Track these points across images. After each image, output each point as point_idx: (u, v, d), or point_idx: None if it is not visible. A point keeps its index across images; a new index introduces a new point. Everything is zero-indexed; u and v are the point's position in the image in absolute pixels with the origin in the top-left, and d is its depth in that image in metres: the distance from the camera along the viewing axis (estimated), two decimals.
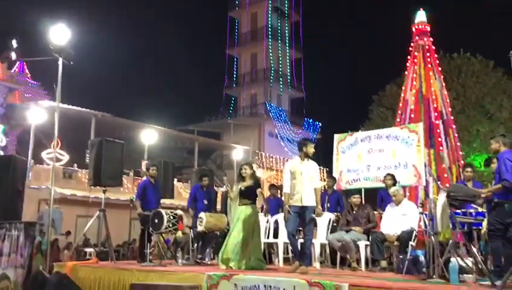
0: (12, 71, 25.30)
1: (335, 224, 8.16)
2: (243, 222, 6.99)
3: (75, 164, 20.08)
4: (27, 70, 28.48)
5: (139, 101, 56.05)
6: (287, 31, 37.12)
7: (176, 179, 17.86)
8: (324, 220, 8.07)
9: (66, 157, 19.25)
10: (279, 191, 9.76)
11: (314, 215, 6.53)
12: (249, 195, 7.15)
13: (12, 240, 6.81)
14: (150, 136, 21.99)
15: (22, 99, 23.79)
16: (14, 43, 27.26)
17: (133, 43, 60.95)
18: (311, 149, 6.78)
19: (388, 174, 8.23)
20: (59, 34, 7.80)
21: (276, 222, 8.49)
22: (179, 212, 8.10)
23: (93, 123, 20.37)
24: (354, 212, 7.81)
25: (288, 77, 36.73)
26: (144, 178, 9.62)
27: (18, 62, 27.75)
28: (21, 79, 26.46)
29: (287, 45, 36.74)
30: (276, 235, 8.44)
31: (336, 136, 9.71)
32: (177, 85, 60.72)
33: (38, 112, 17.56)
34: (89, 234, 11.14)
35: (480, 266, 5.57)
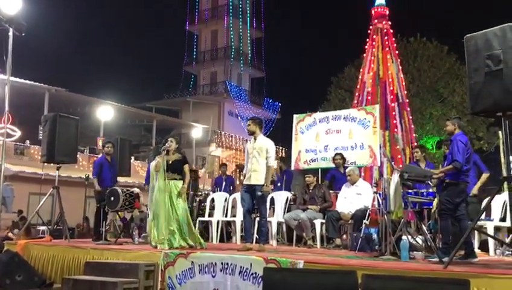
0: None
1: (292, 203, 8.30)
2: (175, 197, 6.79)
3: (28, 140, 19.40)
4: None
5: (96, 76, 54.49)
6: (248, 10, 36.80)
7: (133, 157, 17.58)
8: (281, 198, 8.20)
9: (17, 133, 18.56)
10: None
11: (259, 193, 6.46)
12: (176, 169, 6.93)
13: None
14: (106, 112, 21.53)
15: None
16: None
17: (91, 14, 58.77)
18: (249, 127, 6.79)
19: (337, 153, 8.47)
20: (9, 2, 7.43)
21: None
22: (136, 190, 8.01)
23: (47, 98, 19.68)
24: (311, 191, 7.96)
25: (249, 56, 36.56)
26: (100, 155, 9.40)
27: None
28: None
29: (248, 23, 36.46)
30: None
31: (295, 117, 9.80)
32: (136, 61, 59.32)
33: None
34: (43, 212, 10.86)
35: (429, 244, 5.81)
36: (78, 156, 10.61)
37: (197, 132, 26.51)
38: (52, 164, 8.52)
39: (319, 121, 9.45)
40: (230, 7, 35.20)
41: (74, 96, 21.57)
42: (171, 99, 33.88)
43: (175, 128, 29.94)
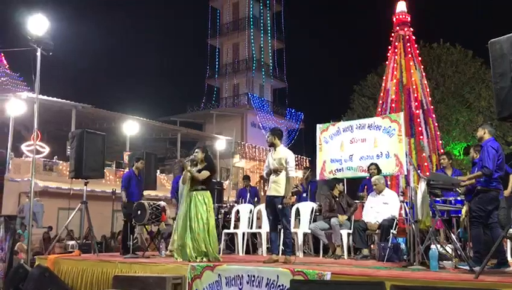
0: None
1: (318, 213, 8.24)
2: (193, 208, 6.72)
3: (56, 156, 19.82)
4: (5, 62, 27.88)
5: (121, 92, 55.47)
6: (268, 21, 37.03)
7: (158, 171, 17.78)
8: (307, 209, 8.16)
9: (46, 150, 18.97)
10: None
11: (280, 206, 6.38)
12: (200, 180, 6.84)
13: None
14: (131, 127, 21.87)
15: (0, 91, 23.30)
16: None
17: (114, 32, 60.08)
18: (268, 139, 6.75)
19: (372, 163, 8.33)
20: (37, 24, 7.66)
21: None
22: (162, 203, 8.08)
23: (74, 115, 20.11)
24: (337, 200, 7.90)
25: (271, 67, 36.71)
26: (127, 169, 9.54)
27: None
28: (0, 71, 25.91)
29: (269, 35, 36.66)
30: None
31: (319, 126, 9.76)
32: (159, 76, 60.17)
33: (17, 104, 17.26)
34: (72, 227, 11.06)
35: (459, 253, 5.69)
36: (105, 170, 10.78)
37: (220, 143, 26.64)
38: (80, 179, 8.68)
39: (343, 131, 9.39)
40: (251, 19, 35.48)
41: (100, 112, 21.98)
42: (194, 112, 34.22)
43: (199, 141, 30.18)
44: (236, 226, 8.91)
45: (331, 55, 60.39)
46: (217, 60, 36.75)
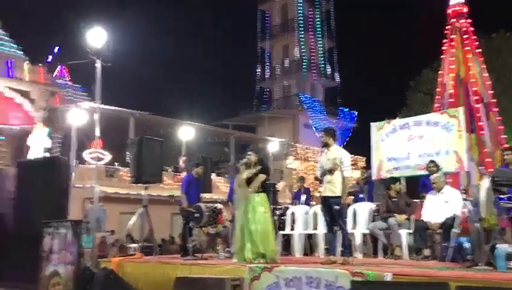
0: (53, 75, 26.12)
1: (376, 214, 8.09)
2: (251, 211, 6.76)
3: (116, 163, 20.58)
4: (67, 73, 29.33)
5: (176, 98, 56.86)
6: (318, 21, 36.78)
7: (213, 174, 18.08)
8: (364, 210, 8.03)
9: (108, 157, 19.75)
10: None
11: (336, 207, 6.33)
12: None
13: (61, 238, 7.09)
14: (186, 132, 22.40)
15: (63, 102, 24.54)
16: (56, 49, 28.39)
17: (164, 39, 61.69)
18: (322, 139, 6.73)
19: (431, 161, 8.08)
20: (96, 36, 8.03)
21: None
22: (219, 206, 8.21)
23: (132, 122, 20.84)
24: (395, 200, 7.73)
25: (322, 67, 36.41)
26: (183, 174, 9.77)
27: (58, 66, 28.65)
28: (62, 82, 27.30)
29: (319, 34, 36.40)
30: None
31: (373, 125, 9.58)
32: (212, 81, 61.20)
33: (79, 114, 18.12)
34: (133, 230, 11.44)
35: None
36: (163, 175, 11.09)
37: (273, 145, 26.71)
38: (140, 184, 8.98)
39: (400, 128, 9.17)
40: (301, 20, 35.38)
41: (156, 119, 22.66)
42: (246, 116, 34.51)
43: (251, 144, 30.43)
44: (292, 228, 8.90)
45: (383, 51, 59.02)
46: (267, 62, 36.91)
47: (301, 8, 35.72)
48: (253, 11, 37.71)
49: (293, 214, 9.01)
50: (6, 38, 22.13)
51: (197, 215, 7.83)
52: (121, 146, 21.25)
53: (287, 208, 9.64)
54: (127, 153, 20.72)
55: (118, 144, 21.35)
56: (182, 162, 21.73)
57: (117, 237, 15.92)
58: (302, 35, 35.24)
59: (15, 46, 22.19)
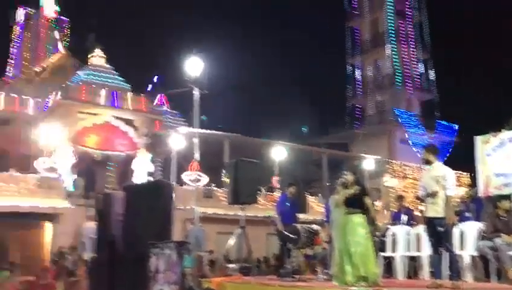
0: (154, 103, 27.85)
1: (484, 234, 7.52)
2: (351, 232, 6.59)
3: (213, 184, 21.26)
4: (166, 101, 31.13)
5: (266, 119, 57.68)
6: (410, 33, 35.61)
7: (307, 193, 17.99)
8: (471, 230, 7.51)
9: (205, 179, 20.47)
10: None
11: (441, 229, 5.98)
12: (355, 203, 6.72)
13: (166, 259, 7.41)
14: (279, 152, 22.60)
15: (163, 128, 26.02)
16: (155, 78, 30.42)
17: (255, 62, 63.26)
18: (423, 156, 6.44)
19: None
20: (193, 66, 8.46)
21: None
22: (315, 227, 8.15)
23: (227, 145, 21.49)
24: (505, 218, 7.13)
25: (416, 80, 35.05)
26: (277, 194, 9.84)
27: (158, 95, 30.55)
28: (161, 110, 29.01)
29: (412, 46, 35.19)
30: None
31: (478, 139, 8.97)
32: (301, 100, 61.39)
33: (178, 139, 19.06)
34: (230, 250, 11.67)
35: None
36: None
37: (368, 163, 25.99)
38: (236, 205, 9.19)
39: (508, 141, 8.50)
40: (392, 33, 34.50)
41: (250, 141, 23.17)
42: (338, 133, 34.05)
43: (345, 162, 29.89)
44: (393, 250, 8.55)
45: (485, 59, 55.40)
46: (358, 78, 36.33)
47: (392, 20, 34.86)
48: (341, 28, 37.50)
49: (394, 235, 8.66)
50: (113, 72, 24.09)
51: (294, 236, 7.82)
52: (216, 168, 21.96)
53: (387, 229, 9.30)
54: (223, 174, 21.39)
55: (214, 165, 22.08)
56: (275, 182, 21.92)
57: (214, 257, 16.33)
58: (395, 49, 34.30)
59: (120, 78, 24.06)
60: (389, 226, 10.08)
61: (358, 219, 6.73)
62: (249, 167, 9.05)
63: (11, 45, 34.00)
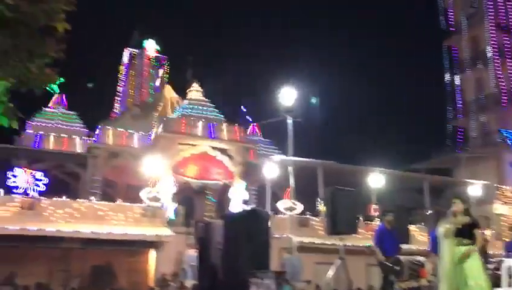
0: (247, 133, 28.54)
1: None
2: (465, 265, 6.13)
3: (308, 212, 21.07)
4: (258, 130, 31.78)
5: (361, 145, 56.56)
6: None
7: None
8: None
9: (300, 207, 20.37)
10: None
11: None
12: (465, 233, 6.27)
13: (265, 288, 7.41)
14: (376, 179, 21.90)
15: (257, 157, 26.48)
16: (244, 108, 31.31)
17: (348, 87, 62.61)
18: None
19: None
20: (287, 95, 8.54)
21: None
22: (420, 258, 7.70)
23: (320, 172, 21.27)
24: None
25: None
26: (379, 223, 9.48)
27: (251, 124, 31.30)
28: (255, 139, 29.62)
29: None
30: None
31: None
32: (396, 123, 59.46)
33: (272, 167, 19.24)
34: (331, 282, 11.34)
35: None
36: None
37: (474, 189, 24.25)
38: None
39: None
40: (496, 49, 32.40)
41: (344, 168, 22.77)
42: (439, 158, 32.24)
43: (448, 188, 28.13)
44: (509, 284, 7.79)
45: None
46: (459, 99, 34.40)
47: (494, 36, 32.77)
48: (438, 48, 35.97)
49: (510, 268, 7.90)
50: (209, 104, 25.15)
51: (397, 268, 7.44)
52: (311, 196, 21.76)
53: (500, 261, 8.53)
54: (318, 202, 21.13)
55: (308, 193, 21.90)
56: (373, 210, 21.20)
57: (312, 288, 16.01)
58: (498, 66, 32.09)
59: (215, 110, 25.04)
60: (503, 258, 9.25)
61: (470, 250, 6.27)
62: (345, 195, 8.83)
63: (118, 84, 37.05)
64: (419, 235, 20.48)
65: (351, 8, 70.68)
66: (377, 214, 20.68)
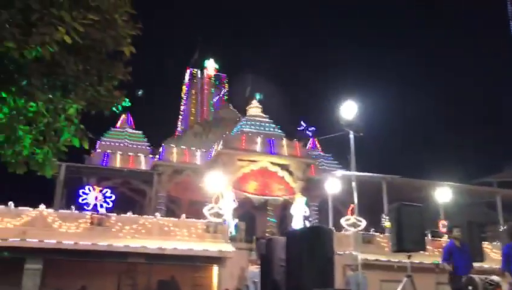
0: (306, 148, 28.38)
1: None
2: None
3: (372, 229, 20.52)
4: (318, 145, 31.52)
5: (426, 158, 54.60)
6: None
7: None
8: None
9: (363, 223, 19.89)
10: None
11: None
12: None
13: None
14: (443, 194, 21.01)
15: (317, 172, 26.23)
16: (304, 123, 31.23)
17: (410, 99, 60.88)
18: None
19: None
20: (348, 110, 8.41)
21: None
22: (495, 278, 7.22)
23: (384, 187, 20.70)
24: None
25: None
26: (447, 240, 9.06)
27: (310, 139, 31.11)
28: (315, 154, 29.38)
29: None
30: None
31: None
32: (465, 135, 56.89)
33: (334, 182, 18.95)
34: None
35: None
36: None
37: None
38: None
39: None
40: None
41: (409, 182, 22.04)
42: None
43: None
44: None
45: None
46: None
47: None
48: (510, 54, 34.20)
49: None
50: (268, 120, 25.31)
51: (470, 288, 7.03)
52: (374, 211, 21.19)
53: None
54: (382, 218, 20.53)
55: (371, 209, 21.34)
56: (442, 226, 20.31)
57: None
58: None
59: (274, 126, 25.13)
60: None
61: None
62: (412, 211, 8.50)
63: (181, 103, 38.19)
64: (492, 252, 19.35)
65: (419, 18, 69.11)
66: (445, 230, 19.79)
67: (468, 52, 58.96)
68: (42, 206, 16.50)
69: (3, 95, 4.36)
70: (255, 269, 13.94)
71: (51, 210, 17.06)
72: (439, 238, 19.45)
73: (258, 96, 27.90)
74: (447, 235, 18.54)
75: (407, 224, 8.20)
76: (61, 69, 4.36)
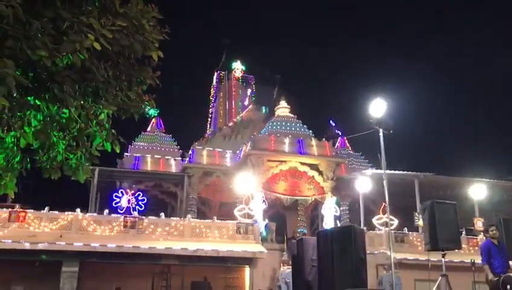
0: (335, 147, 28.14)
1: None
2: None
3: (405, 228, 20.20)
4: (348, 144, 31.21)
5: (459, 155, 53.40)
6: None
7: None
8: None
9: (395, 222, 19.60)
10: None
11: None
12: None
13: None
14: (478, 190, 20.49)
15: (347, 171, 25.97)
16: (332, 122, 30.99)
17: (443, 98, 59.59)
18: None
19: None
20: (377, 107, 8.31)
21: None
22: None
23: (417, 184, 20.35)
24: None
25: None
26: (484, 239, 8.84)
27: (339, 138, 30.84)
28: (345, 153, 29.10)
29: None
30: None
31: None
32: (498, 130, 55.34)
33: (364, 181, 18.74)
34: None
35: None
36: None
37: None
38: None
39: None
40: None
41: (442, 179, 21.60)
42: None
43: None
44: None
45: None
46: None
47: None
48: None
49: None
50: (296, 120, 25.22)
51: (508, 287, 6.85)
52: (406, 210, 20.85)
53: None
54: (415, 217, 20.18)
55: (404, 207, 21.01)
56: (477, 224, 19.81)
57: None
58: None
59: (303, 126, 25.00)
60: None
61: None
62: (446, 209, 8.31)
63: (209, 105, 38.51)
64: None
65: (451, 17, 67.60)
66: (481, 228, 19.30)
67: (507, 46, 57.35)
68: (78, 210, 16.92)
69: (37, 102, 4.49)
70: (287, 270, 13.93)
71: (85, 214, 17.47)
72: (475, 236, 18.98)
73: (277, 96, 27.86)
74: (483, 234, 18.10)
75: (440, 222, 8.03)
76: (91, 76, 4.46)
